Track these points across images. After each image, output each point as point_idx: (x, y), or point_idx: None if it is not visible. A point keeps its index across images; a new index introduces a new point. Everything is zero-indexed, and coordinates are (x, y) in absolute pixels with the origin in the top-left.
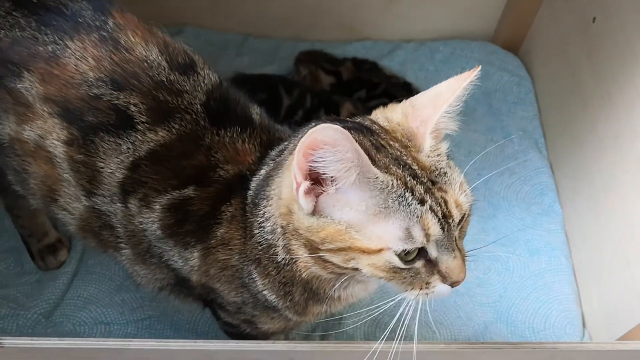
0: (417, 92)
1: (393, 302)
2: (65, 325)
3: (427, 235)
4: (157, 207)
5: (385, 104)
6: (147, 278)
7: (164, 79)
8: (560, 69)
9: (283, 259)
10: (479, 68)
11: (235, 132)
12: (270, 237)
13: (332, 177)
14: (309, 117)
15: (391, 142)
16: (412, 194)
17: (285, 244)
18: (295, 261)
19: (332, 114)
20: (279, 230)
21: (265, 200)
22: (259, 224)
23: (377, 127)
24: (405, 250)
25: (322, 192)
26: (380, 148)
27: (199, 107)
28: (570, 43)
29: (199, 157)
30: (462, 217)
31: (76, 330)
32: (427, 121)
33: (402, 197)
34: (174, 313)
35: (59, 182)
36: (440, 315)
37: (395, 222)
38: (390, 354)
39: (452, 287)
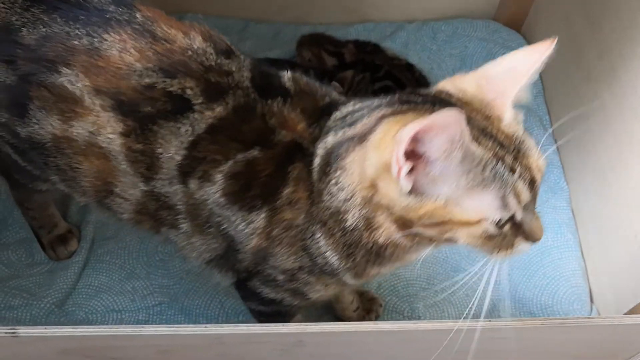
0: (420, 73)
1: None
2: (78, 313)
3: (519, 202)
4: (219, 177)
5: (389, 87)
6: (200, 250)
7: (213, 64)
8: (563, 44)
9: (352, 224)
10: (556, 40)
11: (279, 103)
12: (342, 205)
13: (436, 157)
14: None
15: (473, 114)
16: (504, 164)
17: (364, 215)
18: (371, 228)
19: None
20: (358, 201)
21: (340, 171)
22: (330, 192)
23: (455, 99)
24: (502, 218)
25: (421, 171)
26: (468, 120)
27: (247, 82)
28: (573, 18)
29: (257, 122)
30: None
31: (89, 319)
32: (505, 93)
33: (496, 168)
34: (184, 299)
35: (114, 174)
36: (449, 294)
37: (491, 193)
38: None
39: (533, 244)
